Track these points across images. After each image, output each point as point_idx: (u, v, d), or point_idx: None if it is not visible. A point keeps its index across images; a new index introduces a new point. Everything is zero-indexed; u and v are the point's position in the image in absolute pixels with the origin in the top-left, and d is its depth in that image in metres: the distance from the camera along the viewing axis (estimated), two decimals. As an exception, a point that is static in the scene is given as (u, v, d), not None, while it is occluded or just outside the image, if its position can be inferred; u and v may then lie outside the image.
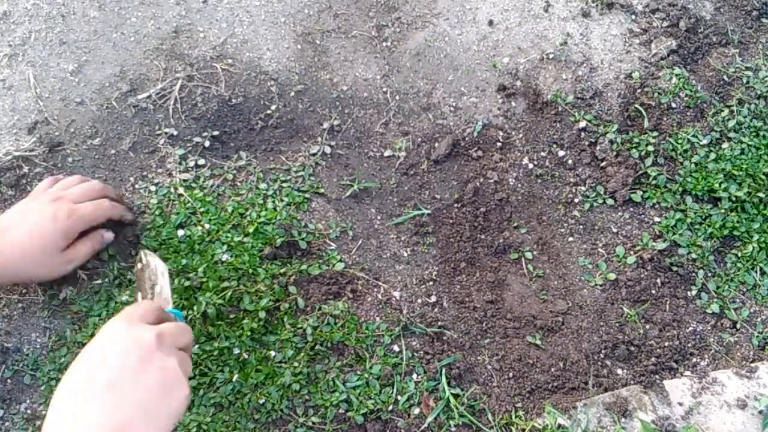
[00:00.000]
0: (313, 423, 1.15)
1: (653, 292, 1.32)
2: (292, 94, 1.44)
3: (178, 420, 0.83)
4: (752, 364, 1.27)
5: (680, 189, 1.40)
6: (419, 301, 1.29)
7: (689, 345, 1.29)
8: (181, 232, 1.27)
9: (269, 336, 1.20)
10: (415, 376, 1.21)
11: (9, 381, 1.17)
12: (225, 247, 1.26)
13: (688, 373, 1.26)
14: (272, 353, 1.19)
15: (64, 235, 1.11)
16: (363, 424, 1.16)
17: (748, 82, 1.52)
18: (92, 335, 1.18)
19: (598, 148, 1.43)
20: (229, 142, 1.39)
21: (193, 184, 1.33)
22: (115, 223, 1.23)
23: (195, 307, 1.19)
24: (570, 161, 1.43)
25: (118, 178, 1.33)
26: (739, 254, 1.37)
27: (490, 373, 1.24)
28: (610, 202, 1.40)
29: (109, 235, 1.21)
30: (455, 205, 1.39)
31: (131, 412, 0.78)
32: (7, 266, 1.08)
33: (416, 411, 1.18)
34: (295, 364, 1.18)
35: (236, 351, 1.18)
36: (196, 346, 1.17)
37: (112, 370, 0.80)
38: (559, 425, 1.16)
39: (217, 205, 1.31)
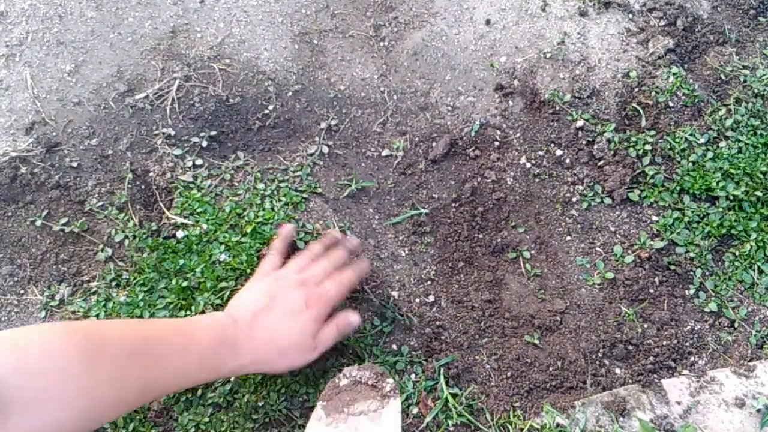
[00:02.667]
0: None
1: (651, 291, 1.32)
2: (290, 94, 1.44)
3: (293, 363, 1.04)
4: (750, 363, 1.27)
5: (678, 188, 1.40)
6: (417, 300, 1.29)
7: (687, 344, 1.29)
8: (179, 233, 1.27)
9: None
10: (413, 376, 1.21)
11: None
12: (223, 247, 1.26)
13: (686, 372, 1.26)
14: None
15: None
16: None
17: (745, 81, 1.52)
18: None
19: (595, 147, 1.43)
20: (227, 142, 1.39)
21: (191, 185, 1.32)
22: None
23: (193, 308, 1.19)
24: (567, 160, 1.43)
25: (117, 179, 1.32)
26: (737, 253, 1.37)
27: (489, 373, 1.24)
28: (607, 201, 1.40)
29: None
30: (453, 204, 1.39)
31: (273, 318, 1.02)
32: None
33: (414, 411, 1.18)
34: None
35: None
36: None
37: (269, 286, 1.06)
38: (558, 424, 1.16)
39: (214, 206, 1.31)
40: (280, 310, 1.04)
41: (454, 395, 1.19)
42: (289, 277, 1.09)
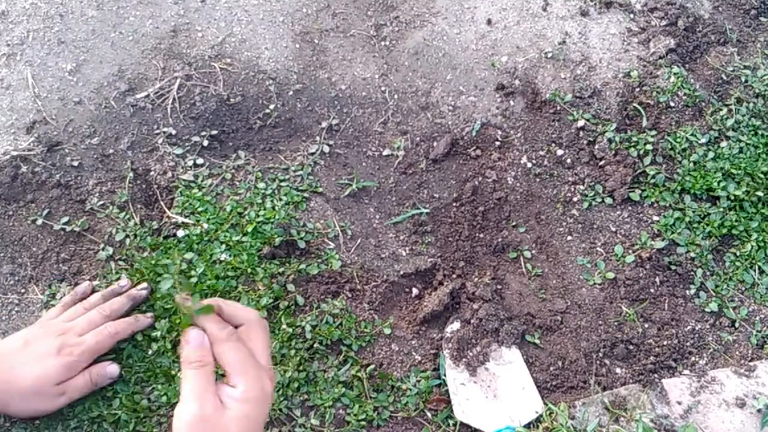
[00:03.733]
0: (312, 425, 1.15)
1: (652, 290, 1.32)
2: (291, 93, 1.44)
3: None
4: (751, 363, 1.27)
5: (679, 188, 1.40)
6: (418, 300, 1.29)
7: (688, 344, 1.29)
8: (180, 232, 1.27)
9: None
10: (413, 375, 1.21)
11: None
12: (224, 247, 1.26)
13: (686, 371, 1.26)
14: (271, 353, 1.19)
15: (67, 369, 1.05)
16: (364, 425, 1.16)
17: (746, 81, 1.52)
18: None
19: (596, 147, 1.43)
20: (228, 141, 1.39)
21: (192, 184, 1.32)
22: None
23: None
24: (568, 160, 1.43)
25: (118, 178, 1.32)
26: (738, 253, 1.37)
27: (489, 372, 1.24)
28: (608, 201, 1.40)
29: (112, 370, 1.11)
30: (454, 204, 1.39)
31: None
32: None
33: (414, 411, 1.18)
34: (294, 363, 1.18)
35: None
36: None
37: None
38: (559, 424, 1.16)
39: (215, 205, 1.31)
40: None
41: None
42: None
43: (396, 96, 1.47)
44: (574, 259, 1.36)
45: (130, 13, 1.47)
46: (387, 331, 1.25)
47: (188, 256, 1.25)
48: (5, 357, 1.04)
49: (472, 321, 1.23)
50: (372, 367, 1.21)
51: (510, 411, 1.16)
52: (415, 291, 1.30)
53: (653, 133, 1.44)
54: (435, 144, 1.43)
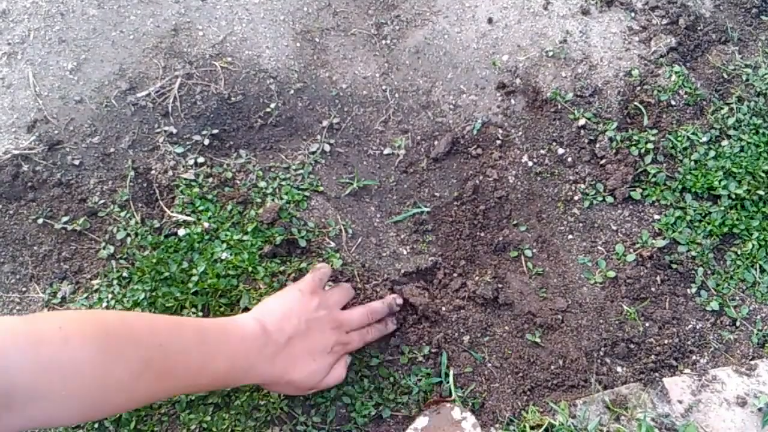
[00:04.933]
0: (314, 422, 1.15)
1: (653, 289, 1.32)
2: (292, 92, 1.44)
3: (302, 388, 1.06)
4: (752, 362, 1.27)
5: (680, 186, 1.40)
6: (419, 299, 1.29)
7: (689, 342, 1.29)
8: (181, 231, 1.27)
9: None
10: (414, 375, 1.21)
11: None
12: (224, 246, 1.26)
13: (687, 370, 1.26)
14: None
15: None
16: (365, 423, 1.16)
17: (747, 80, 1.52)
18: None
19: (597, 145, 1.43)
20: (229, 140, 1.39)
21: (193, 183, 1.32)
22: None
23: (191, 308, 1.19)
24: (569, 159, 1.43)
25: (119, 177, 1.32)
26: (739, 252, 1.37)
27: (491, 371, 1.24)
28: (609, 199, 1.40)
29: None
30: (455, 203, 1.39)
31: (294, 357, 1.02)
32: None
33: (415, 410, 1.18)
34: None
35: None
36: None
37: (304, 309, 1.06)
38: (560, 423, 1.16)
39: (216, 204, 1.31)
40: (310, 343, 1.05)
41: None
42: (330, 314, 1.11)
43: (397, 95, 1.47)
44: (575, 257, 1.36)
45: (131, 11, 1.47)
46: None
47: (189, 254, 1.25)
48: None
49: None
50: (372, 365, 1.21)
51: None
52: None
53: (654, 131, 1.44)
54: (436, 143, 1.43)
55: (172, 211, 1.30)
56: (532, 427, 1.17)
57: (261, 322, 1.01)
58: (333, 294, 1.15)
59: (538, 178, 1.42)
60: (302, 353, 1.03)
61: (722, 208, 1.38)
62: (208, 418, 1.13)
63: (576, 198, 1.41)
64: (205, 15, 1.49)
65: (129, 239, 1.28)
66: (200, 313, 1.19)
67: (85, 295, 1.23)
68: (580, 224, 1.39)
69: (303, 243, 1.29)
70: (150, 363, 0.83)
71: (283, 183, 1.35)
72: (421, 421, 1.14)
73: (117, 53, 1.43)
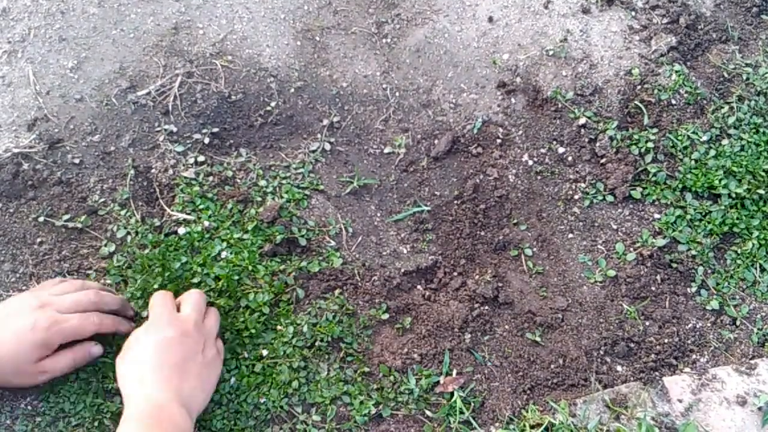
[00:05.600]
0: (314, 421, 1.15)
1: (653, 288, 1.32)
2: (292, 90, 1.44)
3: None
4: (752, 361, 1.27)
5: (680, 186, 1.40)
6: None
7: (689, 342, 1.29)
8: (181, 230, 1.27)
9: (269, 333, 1.20)
10: (413, 374, 1.21)
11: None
12: (225, 244, 1.26)
13: (687, 369, 1.26)
14: (271, 351, 1.19)
15: (41, 347, 1.03)
16: (365, 422, 1.16)
17: (748, 79, 1.52)
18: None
19: (597, 144, 1.43)
20: (229, 138, 1.39)
21: (193, 181, 1.32)
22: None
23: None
24: (570, 158, 1.43)
25: (119, 175, 1.32)
26: (739, 251, 1.37)
27: (491, 370, 1.24)
28: (609, 198, 1.40)
29: (96, 350, 1.11)
30: (455, 201, 1.39)
31: (192, 383, 1.04)
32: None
33: (415, 409, 1.18)
34: (294, 361, 1.18)
35: (235, 350, 1.18)
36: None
37: (174, 354, 1.03)
38: (559, 422, 1.16)
39: (216, 202, 1.31)
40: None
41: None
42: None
43: (397, 93, 1.47)
44: (575, 256, 1.36)
45: (132, 10, 1.47)
46: (388, 328, 1.25)
47: (189, 253, 1.25)
48: None
49: None
50: (373, 364, 1.21)
51: None
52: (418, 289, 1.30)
53: (654, 130, 1.44)
54: (436, 142, 1.43)
55: (172, 210, 1.29)
56: (532, 426, 1.17)
57: (157, 407, 0.99)
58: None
59: (539, 177, 1.42)
60: (197, 379, 1.04)
61: (722, 207, 1.38)
62: (208, 417, 1.13)
63: (576, 197, 1.41)
64: (206, 13, 1.49)
65: (129, 238, 1.28)
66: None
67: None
68: (581, 223, 1.39)
69: (303, 242, 1.29)
70: None
71: (284, 182, 1.35)
72: None
73: (117, 51, 1.43)
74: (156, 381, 0.99)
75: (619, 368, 1.26)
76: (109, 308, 1.13)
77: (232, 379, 1.15)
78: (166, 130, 1.36)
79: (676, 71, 1.49)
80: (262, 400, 1.15)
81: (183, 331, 1.05)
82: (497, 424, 1.18)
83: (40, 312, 1.04)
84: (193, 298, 1.13)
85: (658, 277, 1.33)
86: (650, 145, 1.41)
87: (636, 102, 1.47)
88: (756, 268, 1.36)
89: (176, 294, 1.20)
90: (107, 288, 1.20)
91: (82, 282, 1.16)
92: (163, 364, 1.01)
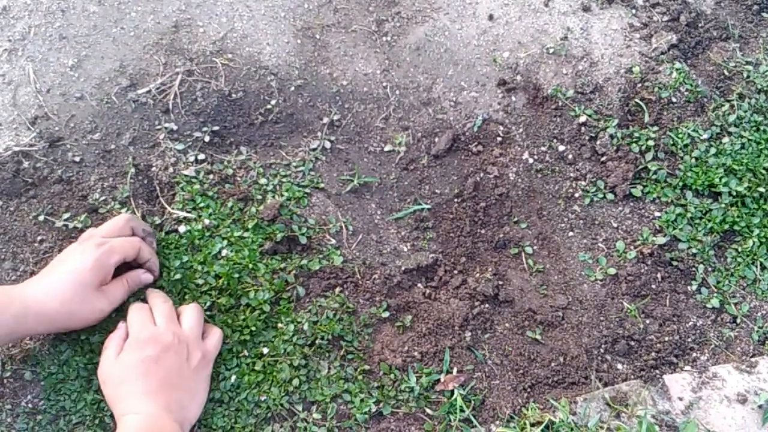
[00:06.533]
0: (315, 419, 1.15)
1: (653, 286, 1.32)
2: (292, 88, 1.44)
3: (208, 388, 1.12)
4: (752, 359, 1.27)
5: (680, 184, 1.40)
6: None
7: (689, 340, 1.29)
8: (182, 228, 1.27)
9: (269, 331, 1.21)
10: (414, 373, 1.21)
11: (10, 377, 1.18)
12: (225, 243, 1.26)
13: (688, 367, 1.26)
14: (272, 349, 1.19)
15: (96, 267, 1.08)
16: (365, 420, 1.16)
17: (748, 77, 1.52)
18: (91, 329, 1.18)
19: (598, 142, 1.43)
20: (229, 137, 1.39)
21: (193, 179, 1.32)
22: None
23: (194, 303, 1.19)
24: (570, 156, 1.43)
25: (119, 173, 1.32)
26: (740, 249, 1.37)
27: (491, 368, 1.24)
28: (610, 196, 1.40)
29: (147, 276, 1.18)
30: (455, 200, 1.39)
31: (181, 394, 1.06)
32: (45, 312, 1.05)
33: (415, 407, 1.18)
34: (294, 359, 1.18)
35: (235, 349, 1.18)
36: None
37: (160, 368, 1.05)
38: (560, 420, 1.16)
39: (216, 200, 1.31)
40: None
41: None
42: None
43: (397, 92, 1.47)
44: (576, 254, 1.36)
45: (132, 8, 1.47)
46: (388, 326, 1.25)
47: (190, 251, 1.25)
48: (42, 280, 1.07)
49: None
50: (373, 362, 1.21)
51: None
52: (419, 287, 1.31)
53: (655, 128, 1.44)
54: (436, 140, 1.43)
55: (172, 208, 1.29)
56: (532, 424, 1.17)
57: (151, 422, 1.02)
58: (168, 312, 1.15)
59: (539, 175, 1.42)
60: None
61: (723, 206, 1.38)
62: (208, 415, 1.13)
63: (577, 195, 1.41)
64: (206, 12, 1.49)
65: (130, 236, 1.28)
66: (207, 312, 1.19)
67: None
68: (581, 221, 1.39)
69: (304, 240, 1.29)
70: None
71: (284, 180, 1.35)
72: None
73: (117, 50, 1.43)
74: (145, 398, 1.01)
75: (619, 366, 1.26)
76: (140, 231, 1.20)
77: (233, 377, 1.16)
78: (166, 128, 1.36)
79: (677, 69, 1.49)
80: (262, 398, 1.15)
81: (163, 346, 1.06)
82: (497, 422, 1.18)
83: (85, 243, 1.11)
84: (161, 309, 1.14)
85: (659, 275, 1.33)
86: (651, 143, 1.41)
87: (636, 100, 1.47)
88: (756, 266, 1.36)
89: (177, 294, 1.21)
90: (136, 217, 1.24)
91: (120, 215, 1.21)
92: (149, 381, 1.02)
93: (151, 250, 1.19)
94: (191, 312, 1.15)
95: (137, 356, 1.05)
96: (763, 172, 1.40)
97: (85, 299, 1.08)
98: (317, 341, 1.20)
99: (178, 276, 1.21)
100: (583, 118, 1.44)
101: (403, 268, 1.31)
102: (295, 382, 1.17)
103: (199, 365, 1.09)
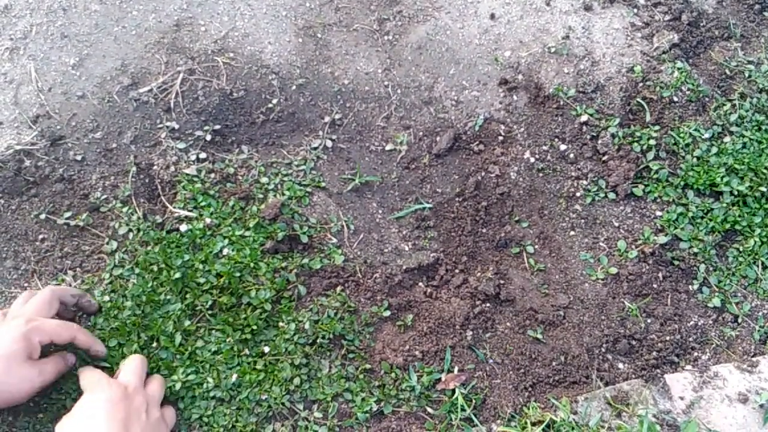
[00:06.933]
0: (315, 418, 1.15)
1: (655, 286, 1.32)
2: (294, 87, 1.44)
3: None
4: (753, 359, 1.27)
5: (682, 183, 1.40)
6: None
7: (690, 339, 1.29)
8: (183, 226, 1.27)
9: (271, 330, 1.21)
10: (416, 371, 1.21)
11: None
12: (226, 241, 1.26)
13: (689, 367, 1.26)
14: (273, 348, 1.19)
15: (22, 340, 1.05)
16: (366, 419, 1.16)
17: (750, 76, 1.52)
18: (92, 328, 1.18)
19: (599, 141, 1.42)
20: (231, 135, 1.39)
21: (195, 178, 1.32)
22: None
23: (198, 301, 1.19)
24: (571, 155, 1.43)
25: (121, 172, 1.33)
26: (741, 248, 1.37)
27: (492, 367, 1.24)
28: (611, 196, 1.40)
29: (71, 358, 1.14)
30: (457, 199, 1.39)
31: None
32: None
33: (416, 405, 1.18)
34: (295, 358, 1.18)
35: (237, 347, 1.18)
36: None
37: (119, 422, 1.02)
38: (561, 419, 1.16)
39: (218, 199, 1.31)
40: None
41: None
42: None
43: (399, 91, 1.47)
44: (577, 254, 1.36)
45: (134, 7, 1.47)
46: (389, 325, 1.25)
47: (191, 250, 1.25)
48: None
49: None
50: (374, 361, 1.21)
51: None
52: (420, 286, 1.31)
53: (656, 128, 1.43)
54: (438, 139, 1.43)
55: (174, 207, 1.30)
56: (533, 423, 1.17)
57: None
58: (135, 371, 1.12)
59: (540, 175, 1.42)
60: None
61: (724, 205, 1.38)
62: (210, 413, 1.13)
63: (578, 194, 1.40)
64: (208, 11, 1.49)
65: (131, 234, 1.28)
66: (209, 311, 1.19)
67: (87, 289, 1.23)
68: (582, 221, 1.39)
69: (305, 239, 1.29)
70: None
71: (285, 179, 1.35)
72: None
73: (119, 49, 1.43)
74: None
75: (620, 365, 1.26)
76: (71, 300, 1.16)
77: (234, 376, 1.16)
78: (167, 127, 1.36)
79: (678, 68, 1.49)
80: (263, 397, 1.15)
81: (123, 392, 1.05)
82: (499, 421, 1.18)
83: (12, 321, 1.06)
84: (132, 365, 1.12)
85: (660, 275, 1.33)
86: (652, 142, 1.41)
87: (638, 99, 1.47)
88: (758, 266, 1.36)
89: (179, 293, 1.21)
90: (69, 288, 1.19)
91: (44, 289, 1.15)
92: (110, 420, 1.01)
93: (89, 334, 1.14)
94: (157, 379, 1.14)
95: (99, 396, 1.04)
96: (765, 171, 1.40)
97: (11, 369, 1.04)
98: (318, 340, 1.20)
99: (179, 275, 1.21)
100: (584, 118, 1.44)
101: (404, 267, 1.31)
102: (297, 380, 1.17)
103: (156, 424, 1.07)
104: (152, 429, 1.06)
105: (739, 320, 1.32)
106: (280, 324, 1.21)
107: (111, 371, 1.13)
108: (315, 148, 1.39)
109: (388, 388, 1.19)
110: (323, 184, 1.36)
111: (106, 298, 1.21)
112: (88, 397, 1.05)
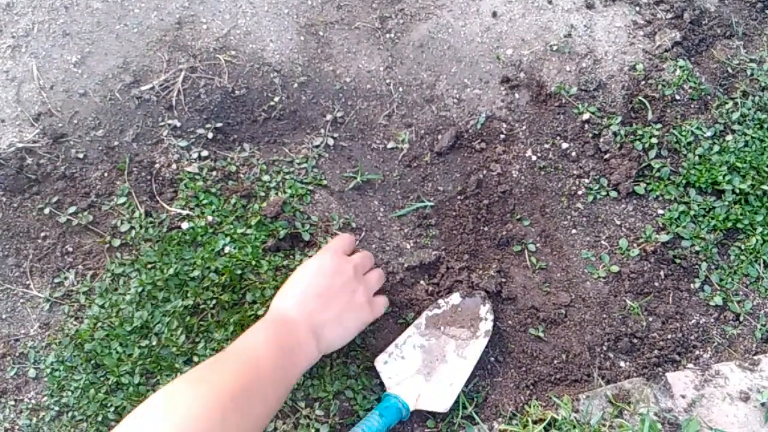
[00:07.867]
0: (317, 416, 1.15)
1: (656, 284, 1.32)
2: (296, 85, 1.44)
3: (358, 331, 1.14)
4: (755, 357, 1.27)
5: (684, 181, 1.40)
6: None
7: (692, 337, 1.29)
8: (185, 224, 1.27)
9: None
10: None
11: (14, 374, 1.18)
12: (228, 239, 1.26)
13: (690, 365, 1.26)
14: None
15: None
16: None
17: (752, 74, 1.52)
18: (94, 327, 1.18)
19: (601, 140, 1.42)
20: (233, 133, 1.39)
21: (196, 176, 1.33)
22: None
23: (197, 299, 1.19)
24: (573, 153, 1.43)
25: (122, 170, 1.33)
26: (743, 247, 1.37)
27: (493, 365, 1.24)
28: (613, 194, 1.40)
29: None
30: (458, 197, 1.39)
31: (329, 315, 1.08)
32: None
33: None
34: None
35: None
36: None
37: (323, 286, 1.10)
38: (562, 417, 1.16)
39: (220, 197, 1.31)
40: (344, 302, 1.11)
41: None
42: (357, 275, 1.16)
43: (401, 89, 1.47)
44: (579, 252, 1.36)
45: (135, 4, 1.47)
46: (391, 323, 1.25)
47: (192, 248, 1.25)
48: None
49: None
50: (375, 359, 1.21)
51: (422, 391, 1.17)
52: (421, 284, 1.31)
53: (658, 126, 1.43)
54: (440, 137, 1.43)
55: (175, 205, 1.30)
56: (534, 422, 1.17)
57: (285, 319, 1.06)
58: (361, 258, 1.20)
59: (542, 173, 1.42)
60: (337, 314, 1.10)
61: (726, 203, 1.38)
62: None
63: (580, 192, 1.40)
64: (209, 8, 1.49)
65: (133, 232, 1.28)
66: (212, 311, 1.19)
67: (88, 288, 1.23)
68: (584, 219, 1.39)
69: (306, 237, 1.29)
70: (251, 413, 0.91)
71: (287, 177, 1.35)
72: (454, 298, 1.26)
73: (121, 46, 1.43)
74: (294, 301, 1.08)
75: (622, 364, 1.26)
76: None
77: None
78: (169, 125, 1.37)
79: (680, 67, 1.48)
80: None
81: (338, 268, 1.12)
82: (500, 420, 1.19)
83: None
84: (363, 252, 1.23)
85: (662, 273, 1.33)
86: (654, 140, 1.41)
87: (640, 97, 1.47)
88: (760, 264, 1.36)
89: (179, 291, 1.21)
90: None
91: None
92: (307, 289, 1.09)
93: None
94: (378, 272, 1.23)
95: (312, 264, 1.13)
96: (767, 169, 1.40)
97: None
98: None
99: (180, 272, 1.21)
100: (586, 116, 1.44)
101: (405, 265, 1.31)
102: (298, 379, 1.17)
103: (360, 307, 1.13)
104: (352, 311, 1.12)
105: (741, 319, 1.32)
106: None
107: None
108: (317, 146, 1.39)
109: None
110: (325, 182, 1.36)
111: (107, 298, 1.22)
112: (306, 261, 1.15)
